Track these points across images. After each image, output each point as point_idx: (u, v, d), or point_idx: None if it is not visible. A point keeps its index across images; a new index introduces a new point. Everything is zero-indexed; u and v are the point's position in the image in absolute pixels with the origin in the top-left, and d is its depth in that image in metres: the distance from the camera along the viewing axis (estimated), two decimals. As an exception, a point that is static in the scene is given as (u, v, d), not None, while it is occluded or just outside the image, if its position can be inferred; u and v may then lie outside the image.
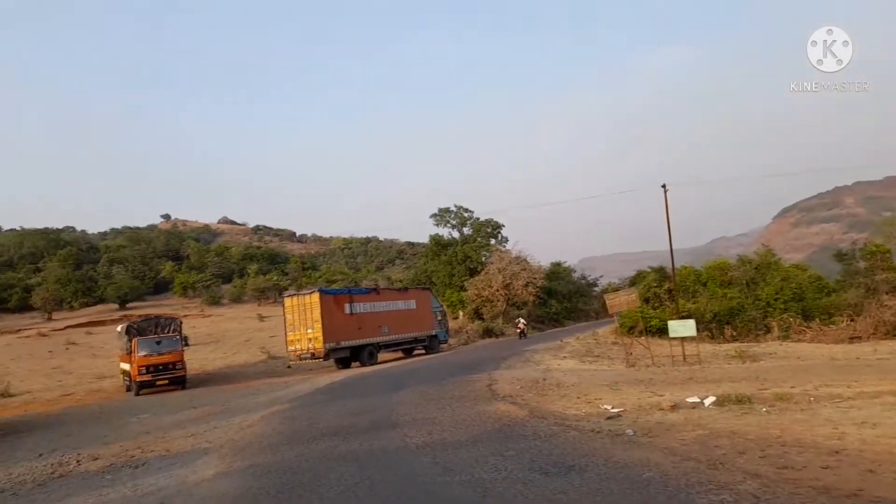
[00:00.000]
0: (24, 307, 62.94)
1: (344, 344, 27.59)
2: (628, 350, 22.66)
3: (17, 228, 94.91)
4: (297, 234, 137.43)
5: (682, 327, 19.92)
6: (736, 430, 8.65)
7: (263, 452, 10.02)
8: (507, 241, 57.17)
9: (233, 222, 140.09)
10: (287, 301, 28.42)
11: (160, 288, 75.45)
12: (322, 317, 26.67)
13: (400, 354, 32.77)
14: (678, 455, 7.43)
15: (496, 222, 58.01)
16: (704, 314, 34.05)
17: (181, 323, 28.50)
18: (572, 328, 49.39)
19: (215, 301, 68.06)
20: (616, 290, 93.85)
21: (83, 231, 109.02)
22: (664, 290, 41.27)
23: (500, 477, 6.99)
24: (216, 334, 48.87)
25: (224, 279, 77.23)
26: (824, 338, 29.42)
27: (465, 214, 58.07)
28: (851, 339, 28.14)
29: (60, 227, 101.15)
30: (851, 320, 29.67)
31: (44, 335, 50.59)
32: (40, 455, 12.80)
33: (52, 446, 13.95)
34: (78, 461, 11.42)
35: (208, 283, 72.02)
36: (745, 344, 28.31)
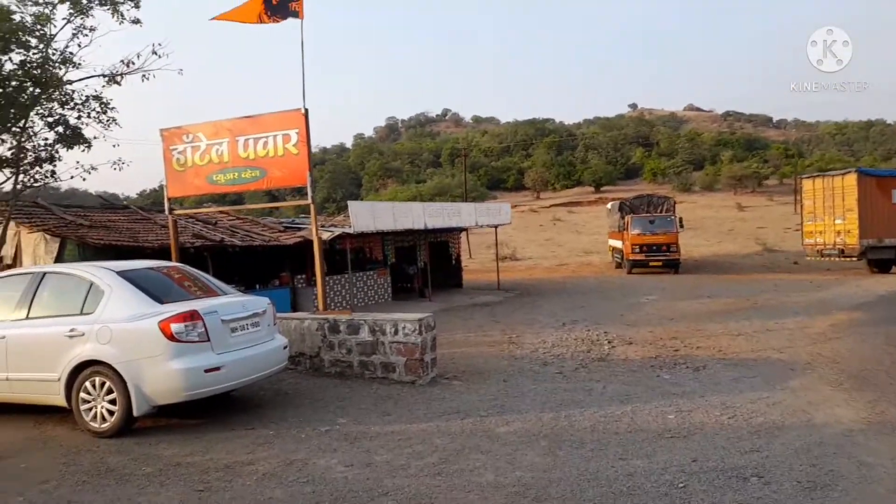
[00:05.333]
0: (519, 187, 71.77)
1: (888, 242, 20.63)
2: None
3: (511, 121, 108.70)
4: (774, 120, 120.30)
5: None
6: None
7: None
8: None
9: (699, 109, 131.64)
10: (806, 183, 22.67)
11: (630, 174, 75.86)
12: (858, 205, 20.20)
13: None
14: None
15: None
16: None
17: (675, 203, 26.03)
18: None
19: (686, 188, 64.44)
20: None
21: (561, 122, 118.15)
22: None
23: None
24: (693, 221, 45.55)
25: (695, 166, 72.57)
26: None
27: None
28: None
29: (543, 118, 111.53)
30: None
31: (535, 211, 56.35)
32: (563, 325, 11.93)
33: (570, 316, 13.14)
34: (609, 342, 9.81)
35: (679, 169, 68.60)
36: None
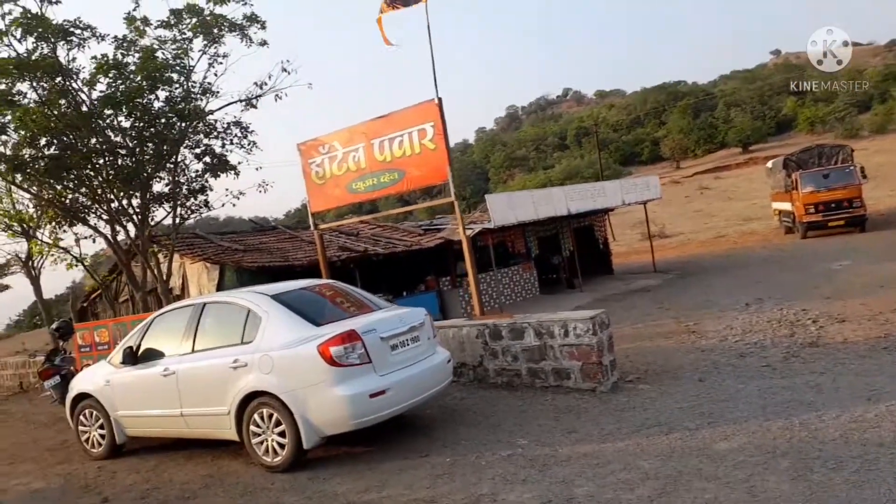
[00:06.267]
0: (655, 158, 67.73)
1: None
2: None
3: (638, 90, 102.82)
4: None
5: None
6: None
7: None
8: None
9: (856, 43, 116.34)
10: None
11: (782, 128, 68.65)
12: None
13: None
14: None
15: None
16: None
17: (852, 151, 22.68)
18: None
19: (852, 134, 56.96)
20: None
21: (695, 83, 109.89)
22: None
23: None
24: (869, 170, 40.01)
25: (859, 109, 64.03)
26: None
27: None
28: None
29: (675, 81, 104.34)
30: None
31: (677, 182, 52.61)
32: (746, 305, 10.40)
33: (751, 294, 11.49)
34: (814, 322, 8.27)
35: (842, 113, 60.88)
36: None
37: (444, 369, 5.76)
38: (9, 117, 9.48)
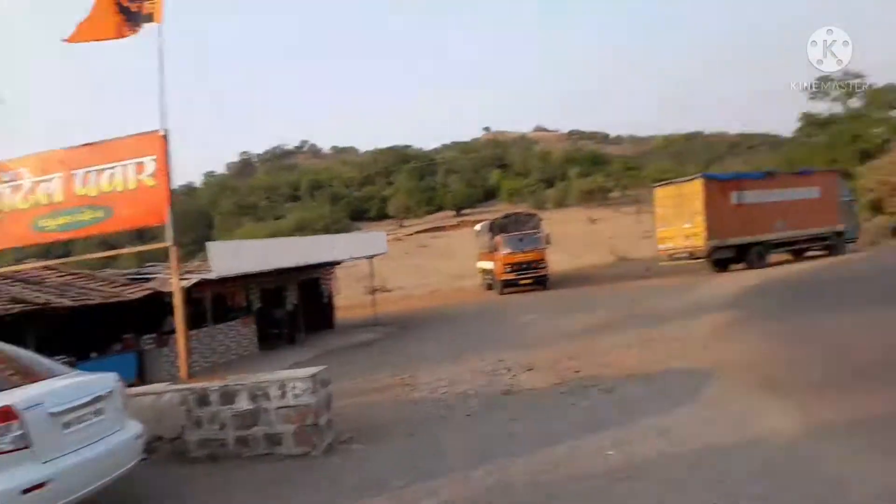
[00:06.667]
0: (382, 215, 71.30)
1: (729, 241, 22.51)
2: None
3: (371, 149, 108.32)
4: (611, 136, 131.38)
5: None
6: None
7: (839, 395, 6.20)
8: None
9: (546, 129, 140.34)
10: (659, 191, 24.18)
11: (489, 195, 78.39)
12: (705, 208, 21.84)
13: (788, 257, 26.25)
14: None
15: (899, 87, 44.21)
16: None
17: (541, 220, 26.72)
18: None
19: (540, 206, 67.59)
20: None
21: (420, 148, 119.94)
22: None
23: None
24: (552, 236, 47.79)
25: (547, 184, 76.65)
26: None
27: (855, 81, 45.21)
28: None
29: (403, 145, 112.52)
30: None
31: (399, 239, 55.94)
32: (455, 356, 11.26)
33: (459, 345, 12.53)
34: (508, 370, 9.28)
35: (533, 188, 72.01)
36: None
37: (131, 447, 4.94)
38: None
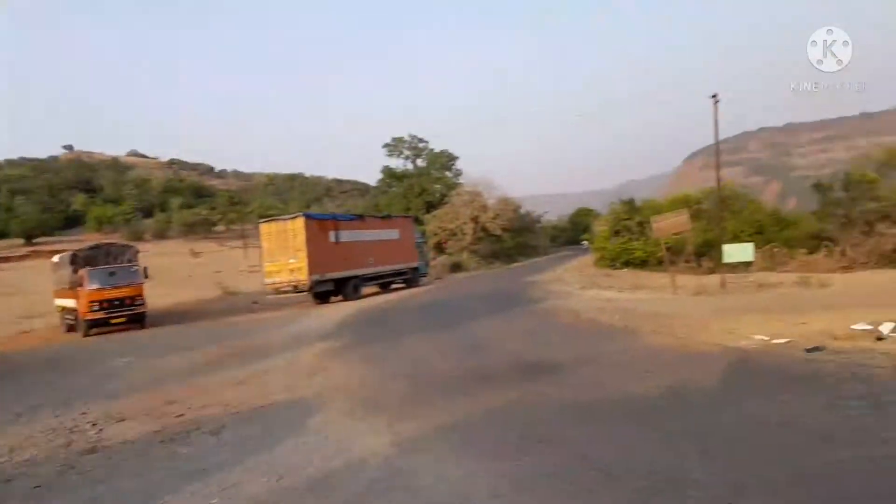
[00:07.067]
0: None
1: (329, 276, 24.35)
2: (674, 277, 20.91)
3: None
4: (216, 169, 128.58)
5: (740, 251, 18.25)
6: None
7: (422, 409, 7.16)
8: (461, 173, 54.76)
9: (144, 155, 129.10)
10: (264, 227, 24.58)
11: (71, 223, 67.60)
12: (307, 244, 23.18)
13: (376, 289, 29.86)
14: None
15: (450, 153, 55.11)
16: (685, 246, 33.00)
17: (137, 252, 24.20)
18: (535, 263, 47.95)
19: (137, 236, 61.59)
20: (555, 226, 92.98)
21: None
22: (635, 222, 40.18)
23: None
24: (150, 270, 43.74)
25: (144, 213, 70.28)
26: (815, 267, 28.88)
27: (420, 145, 54.58)
28: (845, 269, 27.75)
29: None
30: (843, 252, 29.33)
31: (-63, 273, 43.57)
32: (19, 416, 9.25)
33: (28, 401, 10.34)
34: (94, 424, 8.08)
35: (128, 216, 65.08)
36: (738, 275, 27.23)
37: None
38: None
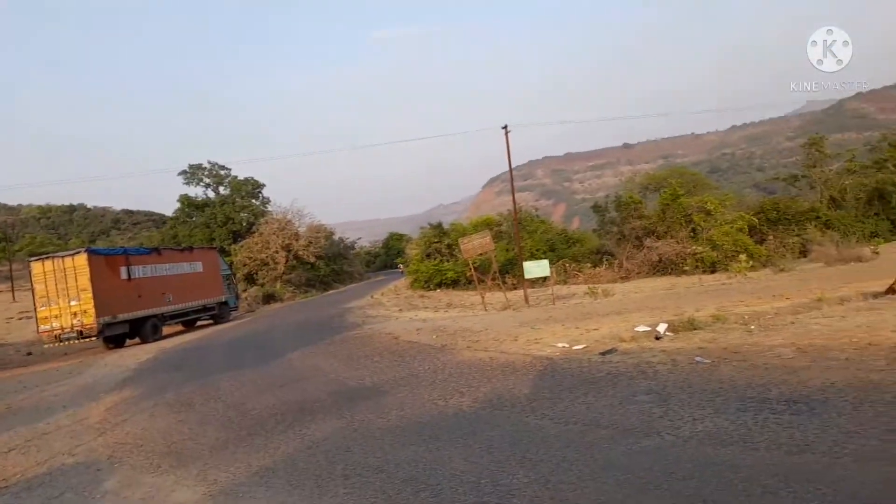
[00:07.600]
0: None
1: (122, 317, 21.84)
2: (483, 295, 22.05)
3: None
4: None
5: (538, 268, 19.87)
6: (778, 343, 8.17)
7: (239, 454, 6.57)
8: (269, 201, 53.00)
9: None
10: (35, 266, 21.25)
11: None
12: (92, 284, 20.58)
13: (180, 328, 27.47)
14: (803, 369, 6.58)
15: (256, 181, 53.05)
16: (491, 265, 35.30)
17: None
18: (352, 288, 47.74)
19: None
20: (369, 251, 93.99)
21: None
22: (444, 244, 42.04)
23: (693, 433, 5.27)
24: None
25: None
26: (600, 279, 32.60)
27: (222, 172, 51.78)
28: (624, 279, 31.70)
29: None
30: (620, 265, 33.47)
31: None
32: None
33: None
34: None
35: None
36: (538, 289, 29.75)
37: None
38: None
